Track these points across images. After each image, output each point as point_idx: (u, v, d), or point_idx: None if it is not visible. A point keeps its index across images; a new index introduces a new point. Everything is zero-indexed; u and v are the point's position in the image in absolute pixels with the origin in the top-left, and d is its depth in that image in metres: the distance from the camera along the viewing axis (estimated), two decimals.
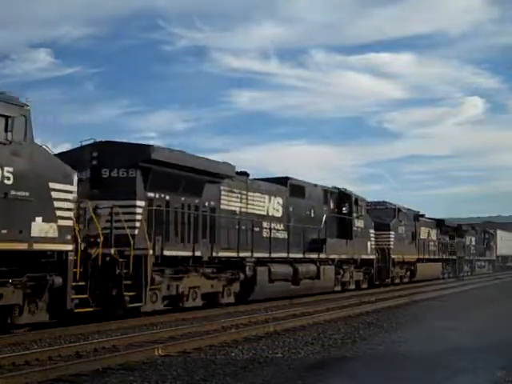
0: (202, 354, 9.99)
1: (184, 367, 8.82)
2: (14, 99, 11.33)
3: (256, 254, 18.51)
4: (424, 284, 31.99)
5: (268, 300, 19.13)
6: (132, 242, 13.80)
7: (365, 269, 26.82)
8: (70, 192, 12.20)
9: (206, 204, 17.19)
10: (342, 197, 25.46)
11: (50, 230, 11.54)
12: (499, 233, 60.17)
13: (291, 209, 21.53)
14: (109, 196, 14.36)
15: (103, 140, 15.32)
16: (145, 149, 15.20)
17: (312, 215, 22.79)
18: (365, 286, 26.91)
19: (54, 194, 11.71)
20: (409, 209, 34.87)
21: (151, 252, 14.33)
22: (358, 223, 26.00)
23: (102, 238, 13.19)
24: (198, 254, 16.16)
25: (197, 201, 16.82)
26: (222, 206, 17.86)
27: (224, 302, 17.40)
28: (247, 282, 18.20)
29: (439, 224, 40.74)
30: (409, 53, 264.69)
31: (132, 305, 13.81)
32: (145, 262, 14.07)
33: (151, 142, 15.81)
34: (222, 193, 17.98)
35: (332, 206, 24.70)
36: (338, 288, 24.28)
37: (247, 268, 18.12)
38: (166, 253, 15.00)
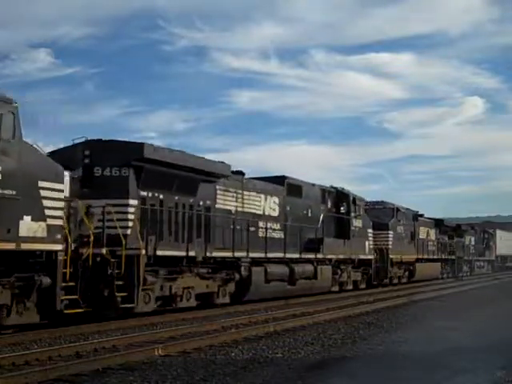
0: (201, 354, 9.99)
1: (184, 367, 8.81)
2: (2, 96, 11.10)
3: (251, 254, 18.29)
4: (423, 284, 31.94)
5: (264, 300, 18.93)
6: (124, 242, 13.58)
7: (363, 269, 26.64)
8: (60, 191, 12.01)
9: (201, 203, 16.98)
10: (340, 196, 25.26)
11: (39, 229, 11.33)
12: (499, 233, 59.99)
13: (288, 208, 21.33)
14: (101, 195, 14.16)
15: (95, 138, 15.10)
16: (137, 147, 14.97)
17: (309, 215, 22.57)
18: (363, 286, 26.73)
19: (43, 193, 11.51)
20: (407, 208, 34.67)
21: (144, 252, 14.11)
22: (356, 223, 25.78)
23: (92, 238, 12.99)
24: (192, 253, 15.94)
25: (191, 200, 16.60)
26: (217, 206, 17.66)
27: (219, 303, 17.21)
28: (242, 283, 17.99)
29: (438, 224, 40.56)
30: (409, 53, 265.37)
31: (124, 305, 13.57)
32: (137, 262, 13.85)
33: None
34: (218, 192, 17.77)
35: (329, 205, 24.48)
36: (336, 288, 24.09)
37: (242, 268, 17.91)
38: (159, 253, 14.78)
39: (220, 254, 17.17)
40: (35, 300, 11.56)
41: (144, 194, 15.11)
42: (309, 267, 21.42)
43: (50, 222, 11.56)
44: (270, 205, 20.29)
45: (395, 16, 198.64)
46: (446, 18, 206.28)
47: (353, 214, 25.45)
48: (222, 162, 17.94)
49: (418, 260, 34.17)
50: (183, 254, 15.69)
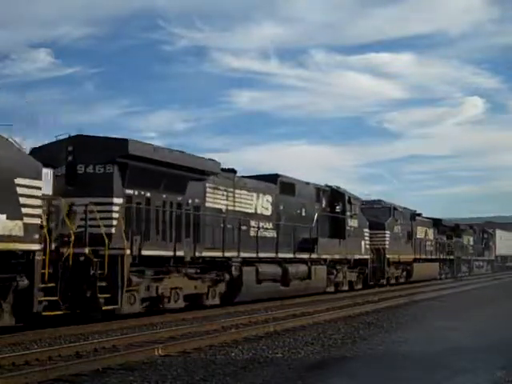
0: (201, 354, 10.01)
1: (184, 367, 8.83)
2: None
3: (243, 254, 17.82)
4: (423, 284, 31.67)
5: (256, 301, 18.47)
6: (107, 241, 13.10)
7: (359, 269, 26.21)
8: (38, 188, 11.54)
9: (190, 202, 16.51)
10: (335, 195, 24.78)
11: (15, 228, 10.87)
12: (498, 232, 59.58)
13: (281, 207, 20.87)
14: (84, 193, 13.76)
15: (78, 134, 14.65)
16: (122, 143, 14.50)
17: (303, 214, 22.08)
18: (359, 286, 26.29)
19: (19, 190, 11.03)
20: (405, 208, 34.22)
21: (128, 252, 13.65)
22: (352, 222, 25.29)
23: (73, 237, 12.50)
24: (180, 253, 15.47)
25: (180, 198, 16.12)
26: (207, 204, 17.21)
27: (208, 304, 16.74)
28: (233, 283, 17.54)
29: (436, 223, 40.13)
30: (409, 53, 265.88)
31: (107, 307, 13.06)
32: (121, 262, 13.41)
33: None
34: (207, 190, 17.30)
35: (324, 204, 23.99)
36: (331, 289, 23.65)
37: (233, 268, 17.45)
38: (145, 252, 14.32)
39: (209, 254, 16.70)
40: (11, 302, 11.10)
41: (130, 192, 14.68)
42: (303, 267, 20.96)
43: (28, 220, 11.09)
44: (262, 203, 19.81)
45: (395, 16, 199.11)
46: (446, 18, 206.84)
47: (348, 214, 24.96)
48: (212, 160, 17.45)
49: (415, 260, 33.74)
50: (170, 253, 15.22)
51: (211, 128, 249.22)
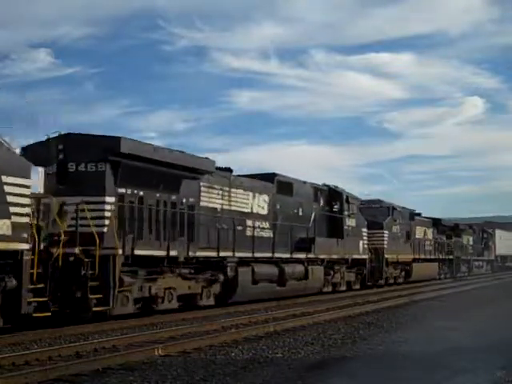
0: (201, 354, 10.02)
1: (184, 367, 8.85)
2: None
3: (238, 254, 17.55)
4: (422, 284, 31.52)
5: (252, 302, 18.20)
6: (98, 241, 12.83)
7: (357, 269, 25.95)
8: (27, 187, 11.35)
9: (184, 201, 16.26)
10: (333, 194, 24.53)
11: (3, 227, 10.68)
12: (498, 232, 59.37)
13: (278, 206, 20.61)
14: (76, 192, 13.55)
15: (69, 132, 14.40)
16: (114, 141, 14.23)
17: (300, 213, 21.83)
18: (357, 286, 26.05)
19: (7, 189, 10.84)
20: (404, 207, 33.94)
21: (120, 251, 13.40)
22: (350, 222, 25.03)
23: (63, 237, 12.27)
24: (173, 253, 15.19)
25: (174, 197, 15.87)
26: (201, 203, 16.95)
27: (202, 304, 16.48)
28: (228, 284, 17.26)
29: (436, 223, 39.92)
30: (409, 53, 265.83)
31: (98, 308, 12.79)
32: (113, 262, 13.17)
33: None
34: (202, 189, 17.05)
35: (322, 203, 23.72)
36: (328, 289, 23.40)
37: (228, 268, 17.17)
38: (138, 252, 14.07)
39: (204, 254, 16.44)
40: None
41: (122, 190, 14.43)
42: (299, 267, 20.70)
43: (16, 219, 10.89)
44: (258, 203, 19.56)
45: (395, 16, 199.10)
46: (446, 18, 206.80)
47: (346, 213, 24.72)
48: (207, 158, 17.20)
49: (414, 260, 33.50)
50: (164, 253, 14.95)
51: (211, 128, 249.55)
